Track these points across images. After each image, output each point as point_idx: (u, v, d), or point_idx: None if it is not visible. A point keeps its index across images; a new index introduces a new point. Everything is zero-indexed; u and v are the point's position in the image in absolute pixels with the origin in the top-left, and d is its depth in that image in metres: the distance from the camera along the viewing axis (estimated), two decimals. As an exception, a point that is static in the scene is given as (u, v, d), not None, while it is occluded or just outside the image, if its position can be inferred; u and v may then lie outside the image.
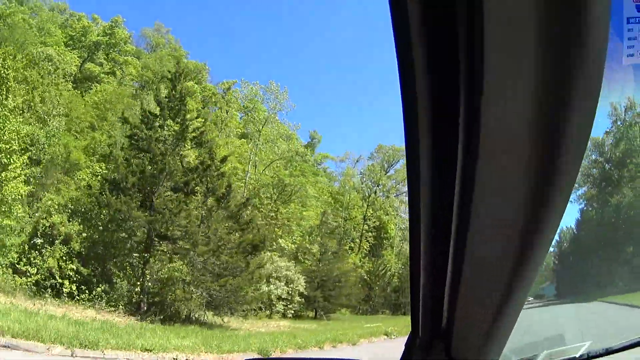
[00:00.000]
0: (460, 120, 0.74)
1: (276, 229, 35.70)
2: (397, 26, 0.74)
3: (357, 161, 57.44)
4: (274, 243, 34.72)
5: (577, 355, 1.95)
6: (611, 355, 1.83)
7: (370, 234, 53.21)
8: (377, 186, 55.48)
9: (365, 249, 51.88)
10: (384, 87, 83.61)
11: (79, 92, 32.98)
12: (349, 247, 50.54)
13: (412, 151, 0.84)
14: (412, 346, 1.30)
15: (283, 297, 30.34)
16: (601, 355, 1.88)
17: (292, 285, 31.15)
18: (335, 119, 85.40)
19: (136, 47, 47.26)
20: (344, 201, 53.06)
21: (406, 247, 54.59)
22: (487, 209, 0.79)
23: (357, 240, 52.21)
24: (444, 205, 0.85)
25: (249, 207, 22.20)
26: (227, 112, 43.13)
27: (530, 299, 37.12)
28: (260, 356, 10.11)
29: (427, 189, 0.88)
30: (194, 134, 20.35)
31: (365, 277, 43.16)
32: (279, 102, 40.70)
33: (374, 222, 53.74)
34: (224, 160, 22.15)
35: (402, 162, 56.35)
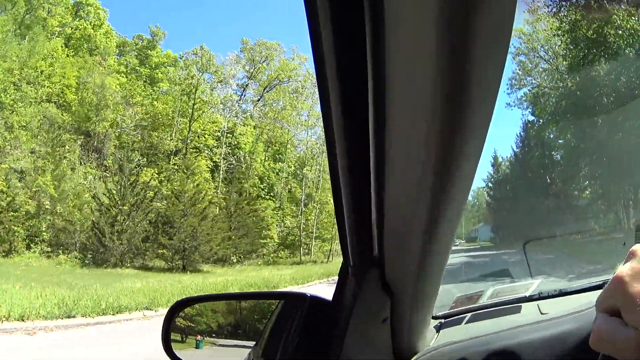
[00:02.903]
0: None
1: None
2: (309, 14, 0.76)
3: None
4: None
5: (528, 294, 1.89)
6: (563, 297, 1.78)
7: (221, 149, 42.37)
8: (204, 74, 43.28)
9: (205, 166, 40.54)
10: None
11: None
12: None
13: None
14: (345, 275, 1.33)
15: None
16: (553, 296, 1.83)
17: None
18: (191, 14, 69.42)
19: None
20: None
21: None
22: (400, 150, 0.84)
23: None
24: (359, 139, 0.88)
25: None
26: None
27: (462, 241, 37.88)
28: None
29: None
30: None
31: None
32: None
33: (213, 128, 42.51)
34: None
35: (277, 62, 48.46)
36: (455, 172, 0.81)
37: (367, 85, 0.78)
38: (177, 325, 1.86)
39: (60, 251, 27.39)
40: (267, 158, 45.71)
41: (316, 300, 1.46)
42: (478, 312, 1.82)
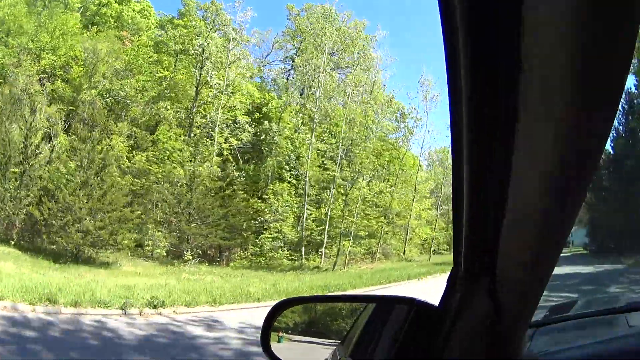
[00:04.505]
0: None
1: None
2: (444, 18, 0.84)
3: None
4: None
5: (617, 306, 1.87)
6: None
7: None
8: (211, 29, 36.45)
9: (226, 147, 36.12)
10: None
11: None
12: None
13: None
14: (455, 279, 1.39)
15: None
16: None
17: None
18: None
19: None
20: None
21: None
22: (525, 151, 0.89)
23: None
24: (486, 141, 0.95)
25: None
26: None
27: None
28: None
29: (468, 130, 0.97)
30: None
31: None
32: None
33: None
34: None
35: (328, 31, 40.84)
36: (576, 178, 0.86)
37: (497, 85, 0.85)
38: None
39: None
40: (298, 135, 39.00)
41: (424, 305, 1.53)
42: (569, 322, 1.91)
